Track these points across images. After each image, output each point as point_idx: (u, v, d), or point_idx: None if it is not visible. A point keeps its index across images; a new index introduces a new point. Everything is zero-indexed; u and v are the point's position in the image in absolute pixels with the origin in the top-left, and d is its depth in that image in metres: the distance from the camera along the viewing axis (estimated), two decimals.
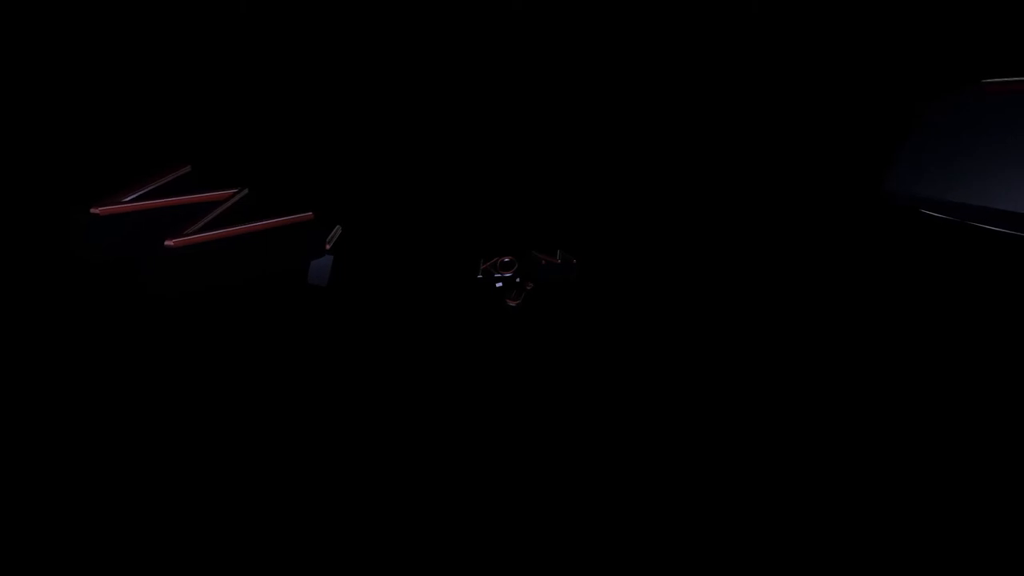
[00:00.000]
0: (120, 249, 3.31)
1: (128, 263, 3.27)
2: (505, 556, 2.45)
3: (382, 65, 4.24)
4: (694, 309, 3.45)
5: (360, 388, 3.28)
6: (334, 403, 3.20)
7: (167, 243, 3.17)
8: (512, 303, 3.61)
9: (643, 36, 4.23)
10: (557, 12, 4.02)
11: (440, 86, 4.27)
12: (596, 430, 3.14)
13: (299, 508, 2.62)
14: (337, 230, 3.71)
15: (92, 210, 3.22)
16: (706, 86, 4.44)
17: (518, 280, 3.74)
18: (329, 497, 2.65)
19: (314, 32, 4.17)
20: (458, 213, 4.02)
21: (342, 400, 3.22)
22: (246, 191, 3.66)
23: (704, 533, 2.49)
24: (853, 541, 2.42)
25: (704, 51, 4.44)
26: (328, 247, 3.63)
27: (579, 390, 3.25)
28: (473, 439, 2.92)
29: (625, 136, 4.31)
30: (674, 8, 4.25)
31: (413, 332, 3.45)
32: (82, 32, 4.22)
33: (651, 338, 3.37)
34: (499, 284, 3.78)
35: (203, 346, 3.32)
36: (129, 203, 3.33)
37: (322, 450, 2.93)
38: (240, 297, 3.48)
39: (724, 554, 2.42)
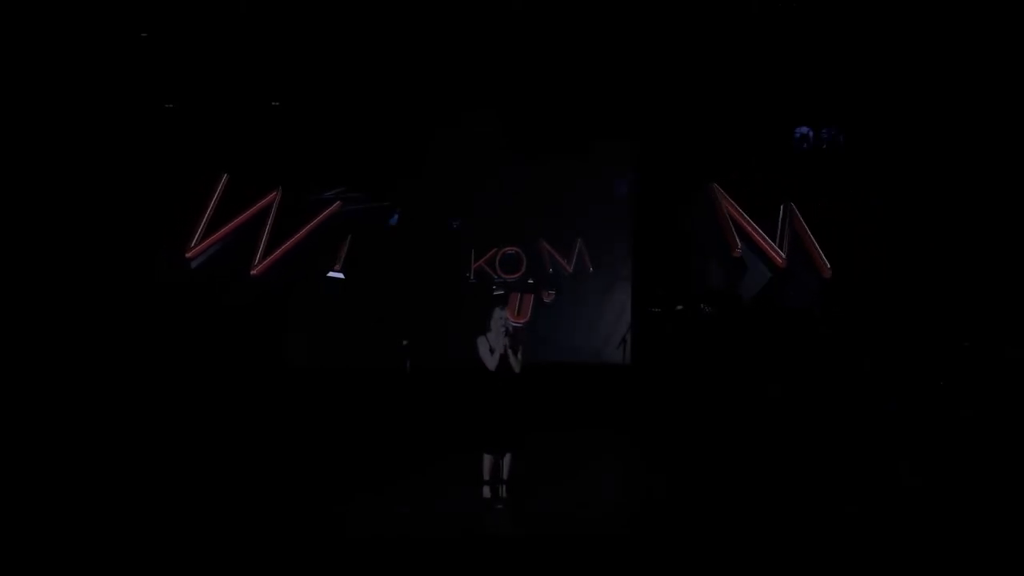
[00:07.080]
0: (209, 275, 4.06)
1: (218, 287, 4.03)
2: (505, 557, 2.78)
3: (381, 64, 4.34)
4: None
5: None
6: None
7: (252, 272, 3.99)
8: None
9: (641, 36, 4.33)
10: (557, 12, 3.96)
11: (440, 85, 4.42)
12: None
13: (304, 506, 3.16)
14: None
15: (187, 255, 3.95)
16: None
17: (530, 281, 3.08)
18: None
19: (313, 32, 4.21)
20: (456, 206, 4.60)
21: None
22: (281, 190, 4.29)
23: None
24: None
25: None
26: (338, 266, 4.03)
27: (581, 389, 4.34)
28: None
29: (623, 135, 4.72)
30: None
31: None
32: (82, 38, 4.23)
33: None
34: (498, 291, 3.15)
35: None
36: (208, 237, 4.03)
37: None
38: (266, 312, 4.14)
39: None
